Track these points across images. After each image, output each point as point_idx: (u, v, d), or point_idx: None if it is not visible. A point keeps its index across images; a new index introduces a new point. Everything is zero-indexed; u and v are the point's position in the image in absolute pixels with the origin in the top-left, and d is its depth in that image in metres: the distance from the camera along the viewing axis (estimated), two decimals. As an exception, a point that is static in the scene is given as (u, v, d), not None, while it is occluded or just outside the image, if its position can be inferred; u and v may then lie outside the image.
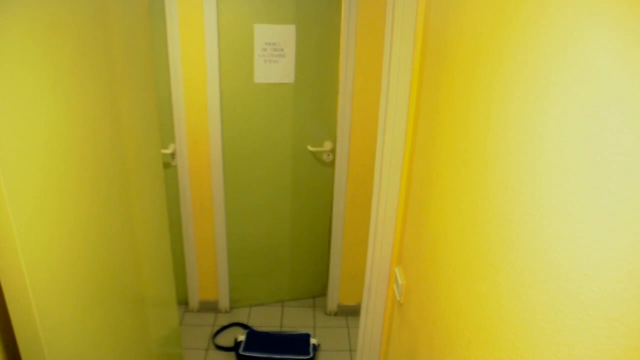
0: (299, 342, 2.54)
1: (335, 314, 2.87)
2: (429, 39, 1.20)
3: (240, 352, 2.47)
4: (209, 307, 2.87)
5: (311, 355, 2.46)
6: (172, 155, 2.51)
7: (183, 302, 2.87)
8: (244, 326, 2.75)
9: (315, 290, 3.08)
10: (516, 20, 0.67)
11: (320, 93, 2.66)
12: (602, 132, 0.47)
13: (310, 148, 2.72)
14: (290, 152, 2.74)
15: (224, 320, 2.81)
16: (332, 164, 2.74)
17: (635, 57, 0.43)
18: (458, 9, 0.95)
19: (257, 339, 2.56)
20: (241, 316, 2.85)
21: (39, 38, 0.93)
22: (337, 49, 2.58)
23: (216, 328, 2.74)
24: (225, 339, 2.66)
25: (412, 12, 1.30)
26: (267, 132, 2.70)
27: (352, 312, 2.85)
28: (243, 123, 2.65)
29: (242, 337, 2.57)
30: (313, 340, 2.56)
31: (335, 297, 2.83)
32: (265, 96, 2.60)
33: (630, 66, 0.44)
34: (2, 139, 0.84)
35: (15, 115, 0.87)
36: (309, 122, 2.70)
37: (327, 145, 2.70)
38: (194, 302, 2.86)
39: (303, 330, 2.70)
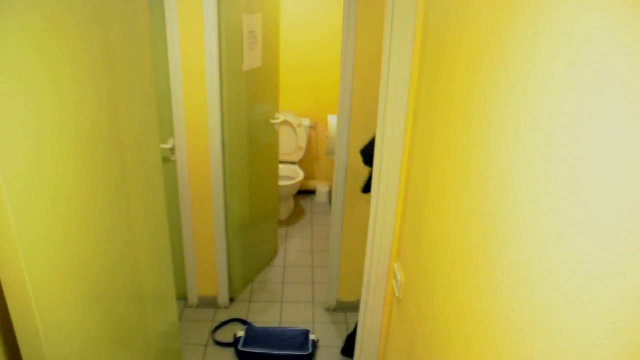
0: (298, 338, 2.55)
1: (334, 310, 2.88)
2: (429, 35, 1.19)
3: (240, 347, 2.47)
4: (208, 302, 2.88)
5: (310, 350, 2.47)
6: (172, 150, 2.50)
7: (182, 297, 2.87)
8: (243, 322, 2.76)
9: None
10: (516, 15, 0.67)
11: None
12: (602, 129, 0.47)
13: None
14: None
15: (223, 315, 2.82)
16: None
17: (635, 54, 0.43)
18: (458, 4, 0.95)
19: (256, 335, 2.57)
20: (240, 312, 2.86)
21: (36, 35, 0.93)
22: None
23: (215, 324, 2.74)
24: (225, 335, 2.66)
25: (412, 8, 1.29)
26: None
27: (351, 308, 2.85)
28: (241, 114, 2.66)
29: (241, 333, 2.57)
30: (312, 336, 2.56)
31: (334, 293, 2.83)
32: (251, 83, 2.73)
33: (630, 63, 0.44)
34: (1, 137, 0.83)
35: (13, 111, 0.87)
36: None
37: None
38: (193, 297, 2.86)
39: (302, 326, 2.71)
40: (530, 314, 0.61)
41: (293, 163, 4.03)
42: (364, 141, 2.45)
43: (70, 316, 1.11)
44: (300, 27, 3.86)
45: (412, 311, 1.28)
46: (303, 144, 3.96)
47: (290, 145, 3.99)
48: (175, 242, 2.68)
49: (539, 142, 0.60)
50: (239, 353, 2.47)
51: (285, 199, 3.88)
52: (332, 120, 3.55)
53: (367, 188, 2.23)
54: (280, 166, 3.88)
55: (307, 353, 2.45)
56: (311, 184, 4.41)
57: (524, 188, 0.64)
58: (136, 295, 1.52)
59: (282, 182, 3.64)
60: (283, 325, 2.76)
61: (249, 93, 2.72)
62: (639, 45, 0.42)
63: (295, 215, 4.07)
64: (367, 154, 2.11)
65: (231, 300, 2.93)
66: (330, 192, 4.27)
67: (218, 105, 2.42)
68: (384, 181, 1.50)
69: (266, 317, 2.82)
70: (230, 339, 2.61)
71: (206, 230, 2.69)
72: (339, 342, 2.64)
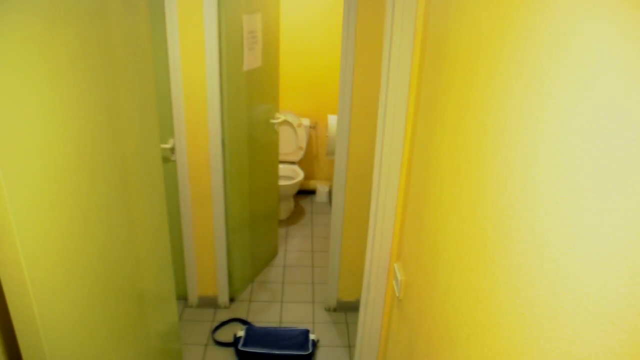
0: (299, 338, 2.55)
1: (335, 310, 2.88)
2: (429, 35, 1.19)
3: (240, 347, 2.47)
4: (208, 302, 2.88)
5: (310, 350, 2.47)
6: (172, 150, 2.50)
7: (182, 297, 2.87)
8: (243, 322, 2.76)
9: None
10: (516, 16, 0.67)
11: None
12: (601, 128, 0.47)
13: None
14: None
15: (223, 315, 2.82)
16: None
17: (634, 53, 0.43)
18: (458, 5, 0.95)
19: (257, 335, 2.56)
20: (240, 312, 2.86)
21: (37, 35, 0.93)
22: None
23: (215, 324, 2.74)
24: (225, 335, 2.66)
25: (412, 9, 1.29)
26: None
27: (351, 307, 2.85)
28: (242, 114, 2.66)
29: (241, 333, 2.57)
30: (312, 336, 2.56)
31: (334, 292, 2.83)
32: (251, 83, 2.72)
33: (629, 62, 0.43)
34: (1, 136, 0.83)
35: (14, 112, 0.87)
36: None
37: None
38: (193, 297, 2.86)
39: (302, 326, 2.71)
40: (530, 314, 0.61)
41: (293, 163, 4.03)
42: (364, 142, 2.46)
43: (70, 316, 1.10)
44: (300, 27, 3.86)
45: (412, 311, 1.28)
46: (303, 144, 3.96)
47: (290, 145, 3.99)
48: (176, 242, 2.68)
49: (541, 142, 0.60)
50: (239, 353, 2.47)
51: (286, 199, 3.88)
52: (332, 120, 3.55)
53: None
54: (281, 166, 3.88)
55: (307, 353, 2.45)
56: (311, 184, 4.41)
57: (525, 189, 0.64)
58: (136, 295, 1.52)
59: (282, 182, 3.64)
60: (283, 325, 2.76)
61: (249, 93, 2.72)
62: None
63: (296, 215, 4.07)
64: None
65: (231, 300, 2.93)
66: (330, 192, 4.26)
67: (218, 105, 2.42)
68: (384, 181, 1.49)
69: (266, 317, 2.82)
70: (230, 339, 2.61)
71: (206, 230, 2.69)
72: (339, 342, 2.64)
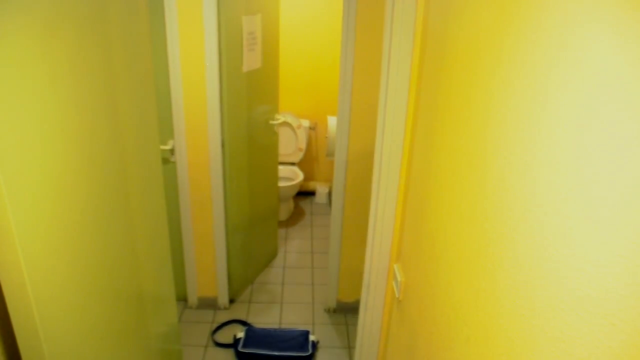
0: (299, 339, 2.54)
1: (334, 311, 2.87)
2: (429, 35, 1.20)
3: (240, 349, 2.47)
4: (208, 303, 2.88)
5: (310, 352, 2.47)
6: (171, 151, 2.50)
7: (182, 298, 2.87)
8: (243, 323, 2.75)
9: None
10: (516, 16, 0.67)
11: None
12: (601, 128, 0.47)
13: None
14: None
15: (223, 317, 2.82)
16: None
17: (634, 53, 0.43)
18: (458, 5, 0.95)
19: (256, 336, 2.56)
20: (240, 313, 2.86)
21: (36, 36, 0.93)
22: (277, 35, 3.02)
23: (215, 325, 2.74)
24: (225, 336, 2.66)
25: (412, 9, 1.29)
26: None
27: (351, 309, 2.85)
28: (241, 115, 2.66)
29: (241, 334, 2.57)
30: (312, 337, 2.56)
31: (334, 294, 2.83)
32: (251, 84, 2.72)
33: (629, 62, 0.43)
34: (1, 136, 0.83)
35: (13, 113, 0.87)
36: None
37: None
38: (192, 298, 2.86)
39: (302, 327, 2.71)
40: (530, 315, 0.61)
41: (293, 164, 4.03)
42: (364, 142, 2.46)
43: (69, 317, 1.10)
44: (300, 28, 3.86)
45: (412, 312, 1.28)
46: (303, 145, 3.97)
47: (290, 146, 3.99)
48: (175, 243, 2.68)
49: (541, 143, 0.60)
50: (239, 354, 2.47)
51: (285, 200, 3.88)
52: (331, 121, 3.55)
53: None
54: (280, 167, 3.88)
55: (307, 354, 2.45)
56: (311, 185, 4.41)
57: (525, 189, 0.64)
58: (136, 296, 1.51)
59: (282, 183, 3.64)
60: (283, 326, 2.75)
61: (249, 94, 2.72)
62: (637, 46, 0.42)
63: (295, 217, 4.07)
64: None
65: (231, 301, 2.93)
66: (330, 193, 4.26)
67: (218, 106, 2.42)
68: (384, 181, 1.49)
69: (266, 318, 2.82)
70: (230, 340, 2.61)
71: (206, 231, 2.69)
72: (339, 343, 2.63)
